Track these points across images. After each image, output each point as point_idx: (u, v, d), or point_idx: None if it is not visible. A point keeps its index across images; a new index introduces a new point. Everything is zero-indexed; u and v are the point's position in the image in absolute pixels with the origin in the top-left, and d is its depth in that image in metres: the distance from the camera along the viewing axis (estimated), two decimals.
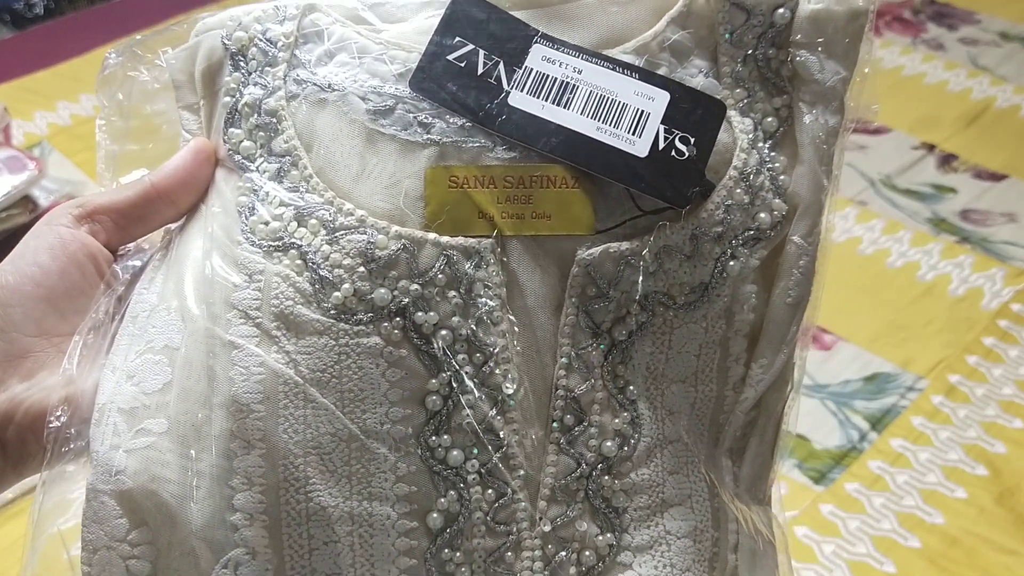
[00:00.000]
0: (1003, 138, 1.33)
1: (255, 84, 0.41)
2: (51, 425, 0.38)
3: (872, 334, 1.04)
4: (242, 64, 0.42)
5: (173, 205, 0.42)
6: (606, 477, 0.40)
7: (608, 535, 0.40)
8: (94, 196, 0.42)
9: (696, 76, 0.41)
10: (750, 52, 0.41)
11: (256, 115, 0.41)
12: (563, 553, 0.40)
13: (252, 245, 0.39)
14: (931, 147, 1.31)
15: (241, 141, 0.41)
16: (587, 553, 0.40)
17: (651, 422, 0.41)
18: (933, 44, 1.52)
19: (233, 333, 0.38)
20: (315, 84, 0.41)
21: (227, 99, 0.42)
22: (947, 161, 1.29)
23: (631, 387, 0.40)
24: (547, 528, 0.40)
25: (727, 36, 0.41)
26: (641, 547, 0.41)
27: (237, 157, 0.41)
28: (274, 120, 0.41)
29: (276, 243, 0.39)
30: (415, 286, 0.38)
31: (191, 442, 0.38)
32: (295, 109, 0.41)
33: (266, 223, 0.39)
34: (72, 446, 0.38)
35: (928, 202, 1.22)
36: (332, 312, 0.38)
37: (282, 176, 0.40)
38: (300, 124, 0.40)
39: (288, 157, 0.40)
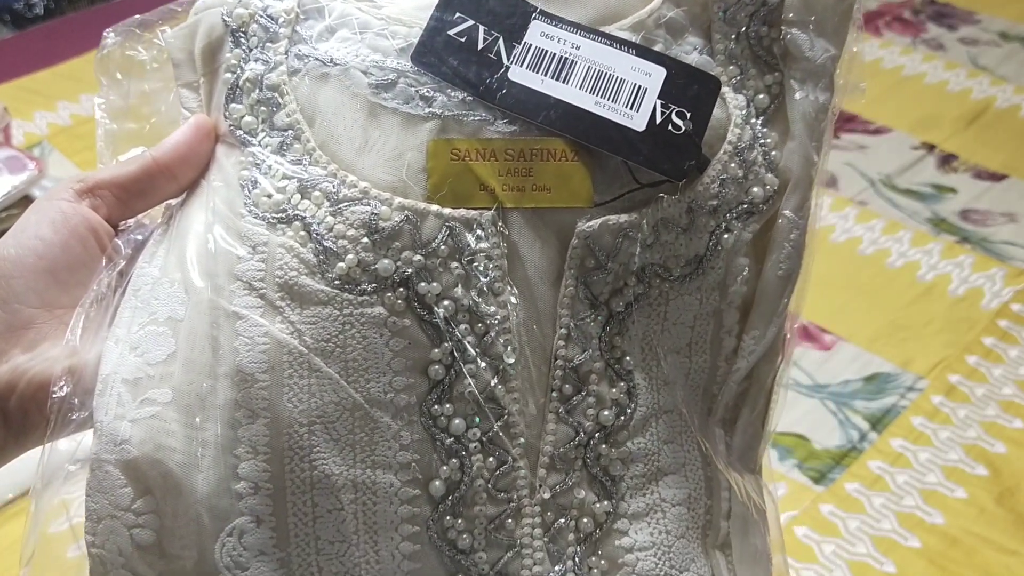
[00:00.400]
0: (1003, 138, 1.33)
1: (256, 60, 0.41)
2: (55, 395, 0.38)
3: (872, 334, 1.04)
4: (243, 40, 0.42)
5: (174, 180, 0.42)
6: (603, 446, 0.41)
7: (605, 502, 0.41)
8: (95, 172, 0.42)
9: (691, 53, 0.42)
10: (743, 30, 0.42)
11: (258, 90, 0.41)
12: (562, 520, 0.41)
13: (255, 217, 0.40)
14: (931, 147, 1.31)
15: (243, 116, 0.41)
16: (585, 520, 0.41)
17: (647, 392, 0.41)
18: (933, 44, 1.52)
19: (237, 304, 0.39)
20: (317, 59, 0.41)
21: (228, 75, 0.42)
22: (947, 161, 1.29)
23: (628, 357, 0.41)
24: (546, 495, 0.40)
25: (720, 14, 0.42)
26: (637, 514, 0.42)
27: (239, 132, 0.41)
28: (276, 95, 0.41)
29: (280, 215, 0.40)
30: (418, 257, 0.39)
31: (196, 412, 0.38)
32: (297, 84, 0.41)
33: (269, 196, 0.40)
34: (75, 416, 0.38)
35: (928, 202, 1.22)
36: (336, 282, 0.39)
37: (284, 150, 0.40)
38: (302, 98, 0.41)
39: (290, 131, 0.41)
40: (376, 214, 0.39)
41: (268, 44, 0.42)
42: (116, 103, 0.45)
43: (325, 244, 0.39)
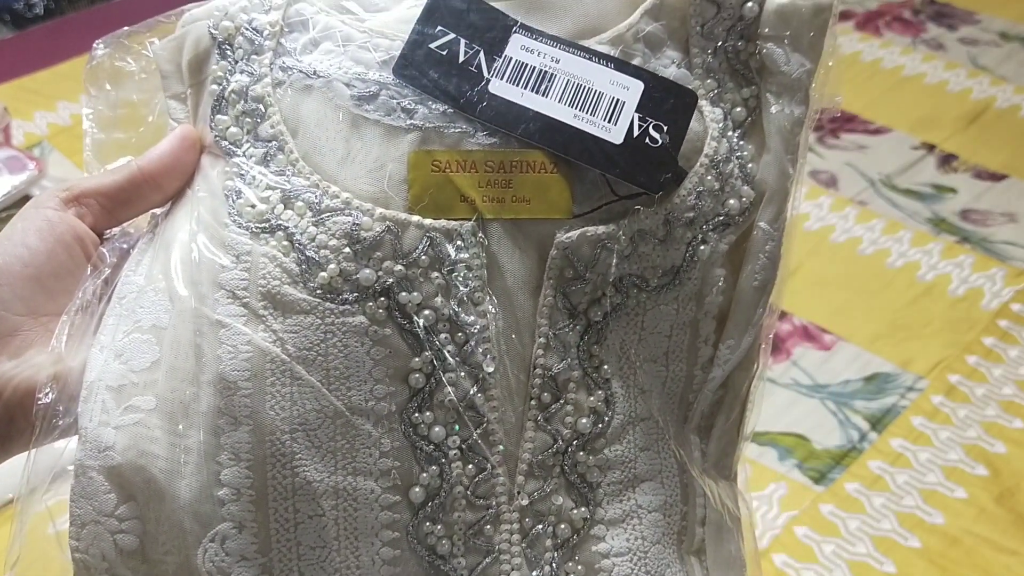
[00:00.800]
0: (1003, 138, 1.33)
1: (242, 72, 0.42)
2: (39, 402, 0.39)
3: (872, 334, 1.04)
4: (228, 53, 0.42)
5: (159, 189, 0.43)
6: (581, 453, 0.42)
7: (582, 509, 0.42)
8: (81, 180, 0.43)
9: (669, 67, 0.42)
10: (720, 44, 0.42)
11: (243, 102, 0.42)
12: (539, 526, 0.41)
13: (239, 227, 0.40)
14: (931, 147, 1.31)
15: (228, 127, 0.42)
16: (562, 526, 0.41)
17: (624, 400, 0.42)
18: (933, 44, 1.52)
19: (221, 312, 0.39)
20: (301, 71, 0.42)
21: (214, 87, 0.43)
22: (947, 161, 1.29)
23: (605, 366, 0.42)
24: (524, 502, 0.41)
25: (698, 28, 0.43)
26: (614, 520, 0.42)
27: (224, 143, 0.42)
28: (260, 106, 0.42)
29: (263, 225, 0.40)
30: (399, 267, 0.40)
31: (179, 419, 0.39)
32: (281, 95, 0.42)
33: (253, 206, 0.40)
34: (60, 423, 0.39)
35: (928, 202, 1.22)
36: (318, 292, 0.39)
37: (268, 160, 0.41)
38: (286, 110, 0.41)
39: (274, 142, 0.41)
40: (358, 224, 0.39)
41: (253, 56, 0.42)
42: (104, 113, 0.45)
43: (307, 254, 0.39)
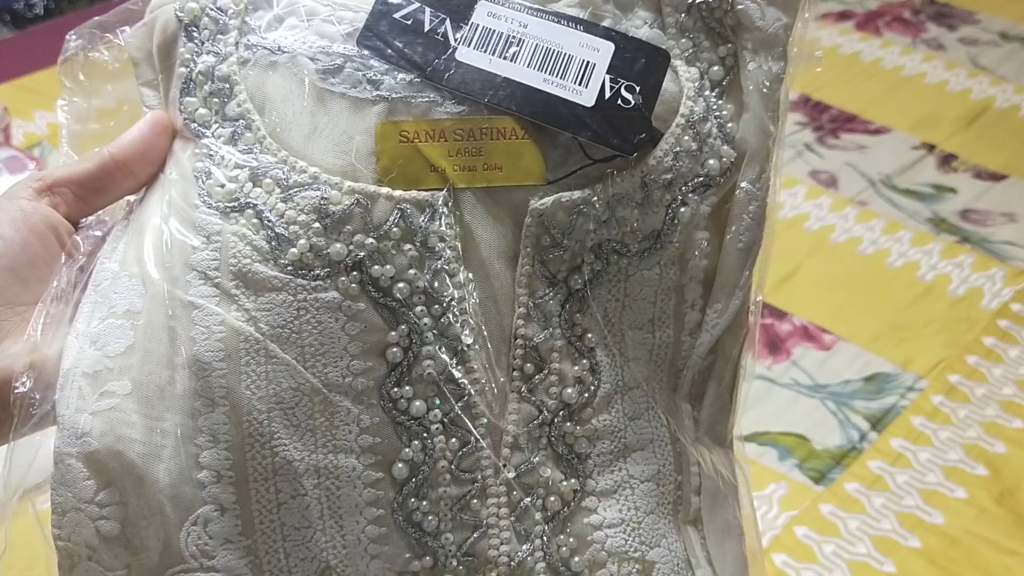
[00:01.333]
0: (1003, 138, 1.33)
1: (208, 52, 0.42)
2: (16, 391, 0.39)
3: (872, 334, 1.04)
4: (195, 34, 0.42)
5: (131, 175, 0.43)
6: (568, 424, 0.41)
7: (572, 480, 0.41)
8: (54, 169, 0.43)
9: (641, 27, 0.42)
10: (693, 2, 0.42)
11: (210, 82, 0.41)
12: (528, 499, 0.41)
13: (209, 208, 0.40)
14: (931, 147, 1.31)
15: (196, 109, 0.42)
16: (552, 499, 0.41)
17: (610, 369, 0.42)
18: (933, 44, 1.52)
19: (193, 294, 0.39)
20: (265, 48, 0.41)
21: (182, 70, 0.42)
22: (947, 161, 1.29)
23: (589, 335, 0.41)
24: (511, 475, 0.41)
25: None
26: (605, 491, 0.42)
27: (193, 125, 0.42)
28: (227, 85, 0.41)
29: (232, 204, 0.40)
30: (370, 240, 0.39)
31: (155, 402, 0.39)
32: (246, 73, 0.41)
33: (222, 185, 0.40)
34: (37, 411, 0.39)
35: (928, 202, 1.22)
36: (289, 268, 0.39)
37: (236, 139, 0.41)
38: (252, 87, 0.41)
39: (242, 120, 0.41)
40: (326, 199, 0.39)
41: (219, 36, 0.42)
42: (80, 105, 0.45)
43: (277, 231, 0.39)
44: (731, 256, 0.42)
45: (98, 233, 0.43)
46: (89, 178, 0.42)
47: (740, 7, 0.41)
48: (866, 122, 1.35)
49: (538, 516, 0.41)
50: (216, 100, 0.41)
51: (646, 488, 0.42)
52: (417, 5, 0.41)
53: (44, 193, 0.42)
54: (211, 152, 0.41)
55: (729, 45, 0.42)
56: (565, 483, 0.41)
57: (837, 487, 0.88)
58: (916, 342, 1.03)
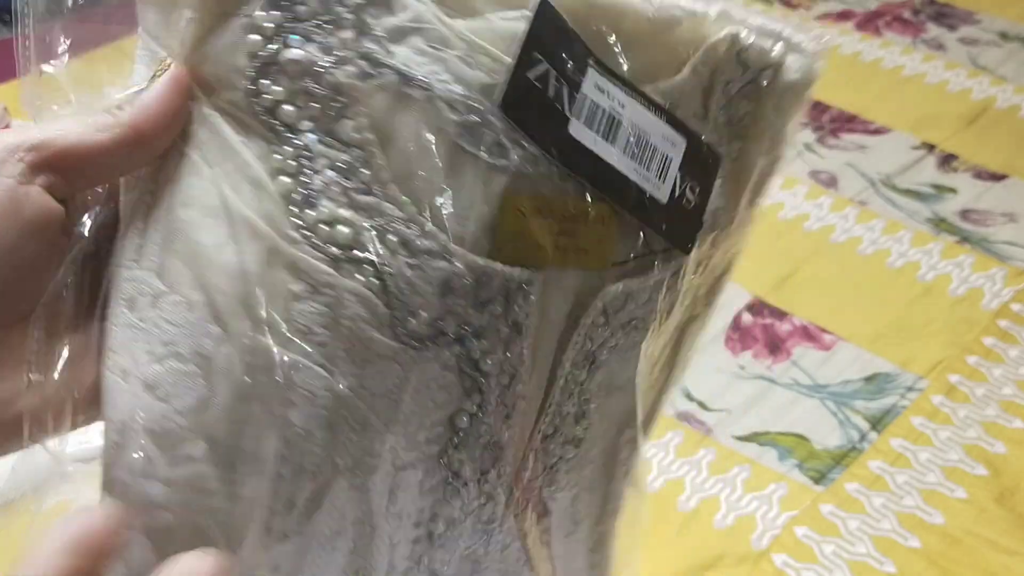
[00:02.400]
0: (1003, 138, 1.33)
1: (311, 40, 0.34)
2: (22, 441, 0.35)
3: (872, 334, 1.04)
4: (285, 4, 0.34)
5: (148, 150, 0.34)
6: (550, 485, 0.42)
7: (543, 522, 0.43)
8: (52, 135, 0.34)
9: (689, 119, 0.40)
10: (728, 102, 0.41)
11: (309, 80, 0.34)
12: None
13: (315, 249, 0.35)
14: (931, 147, 1.31)
15: (280, 102, 0.35)
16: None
17: (598, 426, 0.42)
18: (933, 44, 1.52)
19: (294, 350, 0.35)
20: (394, 71, 0.35)
21: (255, 37, 0.34)
22: (947, 161, 1.29)
23: (592, 403, 0.42)
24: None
25: (723, 85, 0.41)
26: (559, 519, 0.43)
27: (267, 118, 0.35)
28: (342, 99, 0.35)
29: (347, 254, 0.35)
30: (477, 316, 0.37)
31: (237, 466, 0.35)
32: (370, 93, 0.35)
33: (330, 224, 0.35)
34: (49, 435, 0.35)
35: (928, 202, 1.22)
36: (405, 338, 0.36)
37: (350, 173, 0.35)
38: (377, 116, 0.35)
39: (359, 150, 0.35)
40: (452, 271, 0.36)
41: (328, 27, 0.34)
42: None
43: (402, 299, 0.36)
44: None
45: (88, 220, 0.36)
46: (101, 153, 0.34)
47: (759, 113, 0.41)
48: (866, 122, 1.35)
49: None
50: (316, 106, 0.35)
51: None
52: (546, 67, 0.37)
53: (40, 169, 0.33)
54: (303, 170, 0.35)
55: (739, 142, 0.42)
56: (535, 528, 0.42)
57: (837, 487, 0.88)
58: (916, 342, 1.03)
